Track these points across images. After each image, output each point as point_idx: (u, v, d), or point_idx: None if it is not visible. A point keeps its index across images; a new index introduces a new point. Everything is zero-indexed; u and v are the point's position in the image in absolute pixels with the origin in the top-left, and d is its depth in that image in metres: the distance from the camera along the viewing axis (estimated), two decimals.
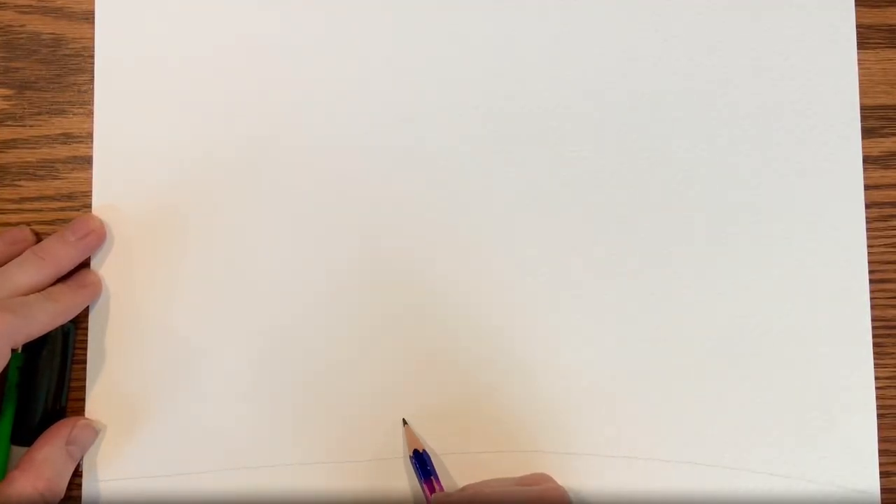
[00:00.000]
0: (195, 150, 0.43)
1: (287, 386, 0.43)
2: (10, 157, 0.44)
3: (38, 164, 0.44)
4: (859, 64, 0.45)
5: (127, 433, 0.42)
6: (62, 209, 0.43)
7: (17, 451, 0.41)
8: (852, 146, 0.44)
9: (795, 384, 0.43)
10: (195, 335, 0.43)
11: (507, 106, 0.44)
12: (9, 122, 0.44)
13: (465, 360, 0.43)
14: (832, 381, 0.43)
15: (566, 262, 0.44)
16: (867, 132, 0.44)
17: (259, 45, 0.44)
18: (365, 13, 0.44)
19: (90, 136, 0.44)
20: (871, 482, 0.43)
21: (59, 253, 0.41)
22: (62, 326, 0.41)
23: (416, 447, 0.41)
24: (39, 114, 0.44)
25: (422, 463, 0.41)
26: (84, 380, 0.42)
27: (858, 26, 0.45)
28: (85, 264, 0.43)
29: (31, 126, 0.44)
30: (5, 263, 0.40)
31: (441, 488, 0.41)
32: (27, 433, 0.41)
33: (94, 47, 0.44)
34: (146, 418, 0.42)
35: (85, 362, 0.42)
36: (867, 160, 0.44)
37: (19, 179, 0.44)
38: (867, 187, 0.44)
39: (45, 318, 0.39)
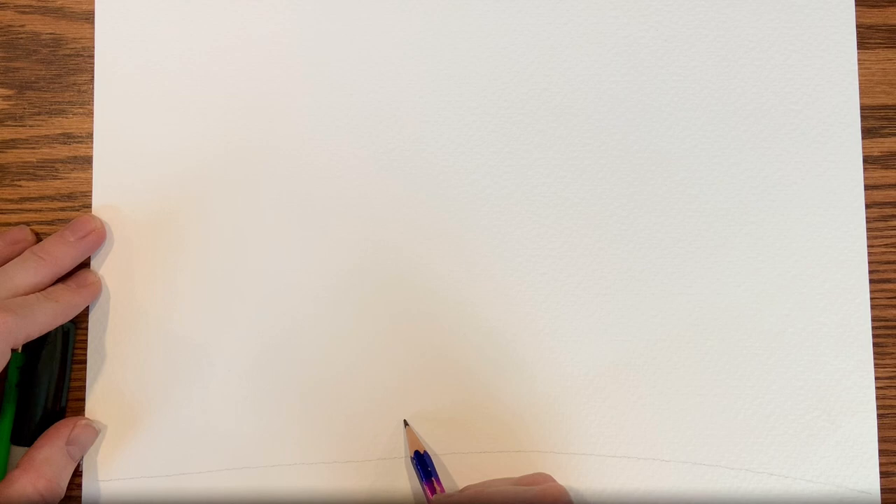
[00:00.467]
0: (195, 150, 0.43)
1: (287, 386, 0.43)
2: (10, 157, 0.44)
3: (38, 164, 0.44)
4: (859, 64, 0.45)
5: (127, 433, 0.42)
6: (62, 209, 0.43)
7: (17, 451, 0.41)
8: (852, 146, 0.44)
9: (795, 384, 0.43)
10: (195, 335, 0.43)
11: (506, 106, 0.44)
12: (9, 122, 0.44)
13: (466, 360, 0.43)
14: (832, 381, 0.43)
15: (566, 263, 0.44)
16: (867, 132, 0.44)
17: (259, 45, 0.44)
18: (364, 14, 0.44)
19: (90, 136, 0.44)
20: (871, 482, 0.43)
21: (59, 253, 0.41)
22: (62, 326, 0.41)
23: (417, 448, 0.41)
24: (39, 114, 0.44)
25: (423, 464, 0.41)
26: (84, 380, 0.42)
27: (858, 26, 0.45)
28: (85, 264, 0.43)
29: (31, 126, 0.44)
30: (5, 263, 0.41)
31: (442, 489, 0.41)
32: (27, 433, 0.41)
33: (94, 47, 0.44)
34: (146, 418, 0.42)
35: (85, 362, 0.42)
36: (867, 160, 0.44)
37: (19, 179, 0.44)
38: (867, 187, 0.44)
39: (45, 318, 0.39)
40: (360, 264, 0.43)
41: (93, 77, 0.44)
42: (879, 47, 0.45)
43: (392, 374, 0.43)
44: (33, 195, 0.44)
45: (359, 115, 0.44)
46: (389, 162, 0.44)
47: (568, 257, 0.44)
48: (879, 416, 0.43)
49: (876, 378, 0.43)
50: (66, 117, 0.44)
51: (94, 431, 0.41)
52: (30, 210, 0.43)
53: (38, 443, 0.40)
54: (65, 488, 0.40)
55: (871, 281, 0.44)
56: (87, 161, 0.44)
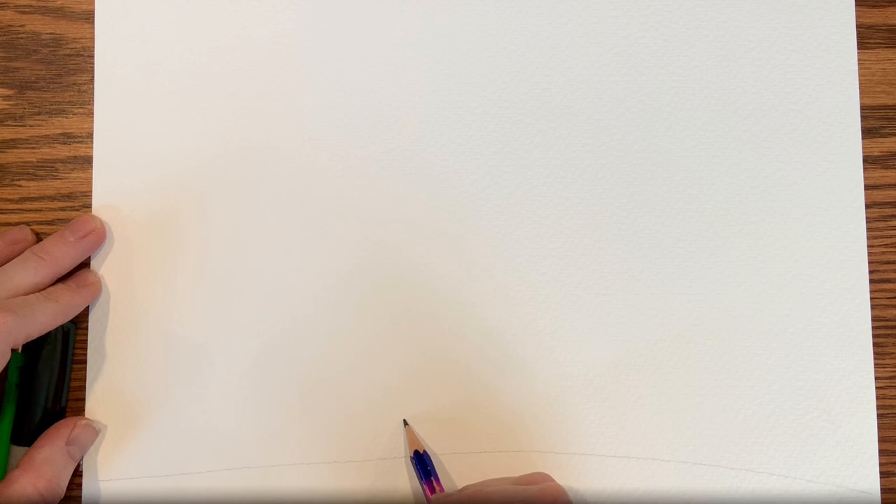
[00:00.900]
0: (195, 149, 0.43)
1: (287, 386, 0.43)
2: (10, 157, 0.44)
3: (38, 164, 0.44)
4: (859, 64, 0.45)
5: (127, 433, 0.42)
6: (62, 209, 0.43)
7: (17, 451, 0.41)
8: (852, 146, 0.44)
9: (795, 384, 0.43)
10: (195, 335, 0.43)
11: (506, 106, 0.44)
12: (9, 122, 0.44)
13: (466, 360, 0.43)
14: (832, 381, 0.43)
15: (566, 263, 0.44)
16: (867, 132, 0.44)
17: (259, 45, 0.44)
18: (364, 14, 0.44)
19: (90, 136, 0.44)
20: (871, 482, 0.43)
21: (59, 253, 0.41)
22: (62, 326, 0.41)
23: (416, 448, 0.41)
24: (39, 114, 0.44)
25: (422, 463, 0.41)
26: (84, 380, 0.42)
27: (858, 26, 0.45)
28: (85, 264, 0.43)
29: (31, 126, 0.44)
30: (5, 263, 0.41)
31: (441, 489, 0.41)
32: (27, 433, 0.41)
33: (94, 47, 0.44)
34: (146, 418, 0.42)
35: (85, 362, 0.42)
36: (867, 160, 0.44)
37: (19, 179, 0.44)
38: (867, 187, 0.44)
39: (45, 318, 0.39)
40: (360, 264, 0.43)
41: (93, 77, 0.44)
42: (879, 47, 0.45)
43: (392, 374, 0.43)
44: (33, 195, 0.44)
45: (359, 115, 0.44)
46: (389, 162, 0.44)
47: (568, 257, 0.44)
48: (879, 416, 0.43)
49: (876, 378, 0.43)
50: (66, 117, 0.44)
51: (94, 431, 0.41)
52: (30, 210, 0.43)
53: (38, 443, 0.40)
54: (65, 488, 0.40)
55: (871, 281, 0.44)
56: (87, 161, 0.44)
